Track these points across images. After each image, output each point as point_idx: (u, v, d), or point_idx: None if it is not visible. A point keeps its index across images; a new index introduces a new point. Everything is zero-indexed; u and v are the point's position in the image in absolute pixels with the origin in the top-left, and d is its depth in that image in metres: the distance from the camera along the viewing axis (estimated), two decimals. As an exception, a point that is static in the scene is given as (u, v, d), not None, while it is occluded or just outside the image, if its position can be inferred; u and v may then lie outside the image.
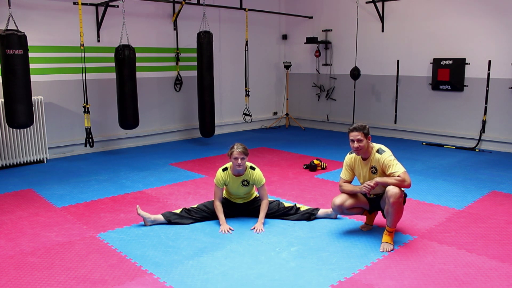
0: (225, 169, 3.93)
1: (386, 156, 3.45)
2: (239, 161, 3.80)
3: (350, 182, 3.71)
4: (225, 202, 4.06)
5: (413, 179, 5.21)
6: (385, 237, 3.48)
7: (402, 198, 3.42)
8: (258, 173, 3.95)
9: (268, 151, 7.06)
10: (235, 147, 3.84)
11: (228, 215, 4.03)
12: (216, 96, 8.09)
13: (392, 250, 3.41)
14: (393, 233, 3.50)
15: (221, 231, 3.77)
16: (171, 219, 3.91)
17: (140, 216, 3.89)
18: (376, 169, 3.50)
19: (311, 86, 9.43)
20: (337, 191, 4.87)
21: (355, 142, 3.49)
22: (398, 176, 3.36)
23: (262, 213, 3.91)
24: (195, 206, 4.05)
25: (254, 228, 3.81)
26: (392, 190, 3.33)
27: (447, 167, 5.92)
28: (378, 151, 3.50)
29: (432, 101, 7.62)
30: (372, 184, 3.38)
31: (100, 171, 5.78)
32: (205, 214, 4.00)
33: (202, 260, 3.26)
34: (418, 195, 4.69)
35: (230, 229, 3.79)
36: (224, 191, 4.10)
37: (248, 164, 3.95)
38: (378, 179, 3.41)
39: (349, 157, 3.71)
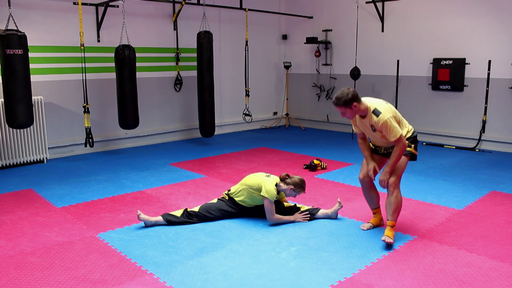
0: (276, 185, 3.91)
1: (382, 119, 3.31)
2: (296, 196, 4.00)
3: (363, 135, 3.65)
4: (231, 203, 4.06)
5: (413, 179, 5.25)
6: (387, 231, 3.48)
7: (399, 187, 3.51)
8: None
9: (268, 151, 7.06)
10: (304, 186, 3.92)
11: (233, 216, 4.04)
12: (216, 96, 8.10)
13: (392, 246, 3.42)
14: (394, 228, 3.50)
15: (301, 220, 3.98)
16: (171, 220, 3.91)
17: (140, 220, 3.88)
18: (374, 128, 3.43)
19: (311, 86, 9.43)
20: (337, 191, 4.89)
21: (341, 113, 3.42)
22: (395, 146, 3.37)
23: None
24: (197, 209, 4.01)
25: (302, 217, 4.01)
26: (391, 180, 3.46)
27: (447, 167, 5.93)
28: (374, 111, 3.36)
29: (432, 101, 7.62)
30: (386, 178, 3.45)
31: (100, 171, 5.78)
32: (206, 219, 3.98)
33: (202, 260, 3.26)
34: (418, 195, 4.69)
35: (305, 216, 3.98)
36: (231, 190, 4.10)
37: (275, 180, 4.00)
38: (387, 169, 3.45)
39: None
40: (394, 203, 3.49)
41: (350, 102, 3.31)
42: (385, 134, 3.37)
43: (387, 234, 3.46)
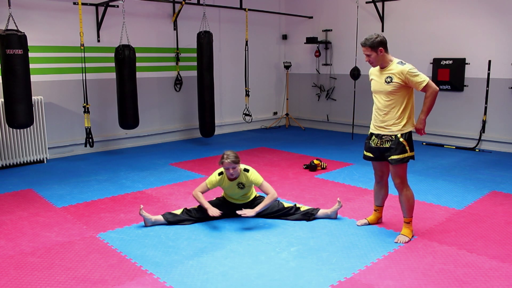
0: (220, 173, 3.94)
1: (409, 67, 3.37)
2: (231, 171, 3.82)
3: None
4: (224, 203, 4.07)
5: (413, 179, 5.23)
6: (403, 229, 3.61)
7: (406, 183, 3.56)
8: (253, 175, 3.91)
9: (268, 151, 7.06)
10: (225, 156, 3.82)
11: (228, 215, 4.04)
12: (216, 96, 8.09)
13: (408, 241, 3.53)
14: (410, 225, 3.60)
15: (211, 214, 3.81)
16: (170, 219, 3.91)
17: (141, 216, 3.89)
18: (391, 79, 3.43)
19: (311, 86, 9.43)
20: (337, 191, 4.89)
21: (365, 56, 3.47)
22: (425, 91, 3.38)
23: (262, 204, 3.86)
24: (196, 206, 4.05)
25: (242, 211, 3.83)
26: (395, 182, 3.53)
27: (447, 167, 5.93)
28: (399, 62, 3.43)
29: (432, 101, 7.61)
30: (422, 126, 3.48)
31: (100, 171, 5.78)
32: (206, 214, 3.99)
33: (202, 260, 3.26)
34: (418, 195, 4.68)
35: (218, 212, 3.84)
36: (222, 192, 4.11)
37: (242, 166, 3.93)
38: (422, 116, 3.48)
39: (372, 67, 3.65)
40: (405, 201, 3.57)
41: (377, 45, 3.36)
42: (412, 82, 3.35)
43: (403, 233, 3.59)
